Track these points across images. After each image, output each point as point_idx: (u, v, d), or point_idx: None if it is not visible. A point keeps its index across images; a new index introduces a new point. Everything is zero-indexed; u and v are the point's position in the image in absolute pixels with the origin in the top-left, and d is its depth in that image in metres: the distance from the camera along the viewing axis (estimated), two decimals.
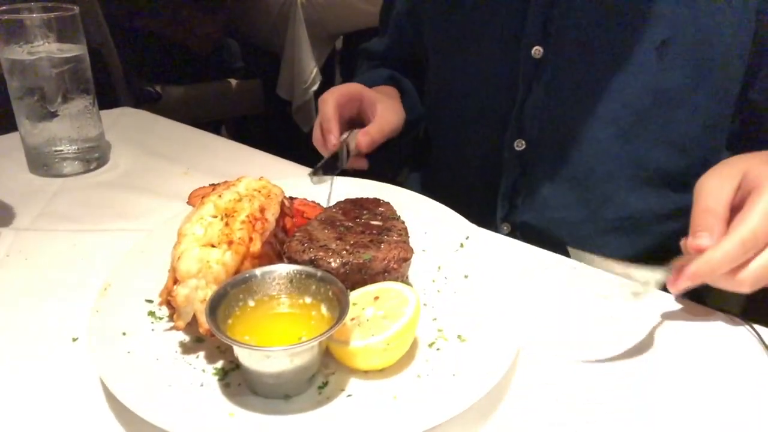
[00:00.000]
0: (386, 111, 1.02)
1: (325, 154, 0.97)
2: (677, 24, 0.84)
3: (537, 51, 0.91)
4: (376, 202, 0.82)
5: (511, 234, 1.02)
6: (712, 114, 0.90)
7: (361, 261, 0.67)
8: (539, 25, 0.90)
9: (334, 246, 0.69)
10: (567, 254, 0.85)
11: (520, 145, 0.98)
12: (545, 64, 0.92)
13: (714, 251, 0.63)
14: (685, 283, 0.65)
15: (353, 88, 1.02)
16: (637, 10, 0.85)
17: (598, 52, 0.89)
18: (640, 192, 0.96)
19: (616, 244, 0.99)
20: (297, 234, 0.71)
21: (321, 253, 0.67)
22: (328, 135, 0.95)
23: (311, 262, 0.67)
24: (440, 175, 1.19)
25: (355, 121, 1.05)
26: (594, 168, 0.95)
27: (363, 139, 0.98)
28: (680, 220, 0.97)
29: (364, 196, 0.84)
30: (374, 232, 0.73)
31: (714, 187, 0.67)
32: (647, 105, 0.89)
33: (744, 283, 0.64)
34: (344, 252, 0.68)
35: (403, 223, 0.77)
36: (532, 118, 0.96)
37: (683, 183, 0.92)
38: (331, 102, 0.97)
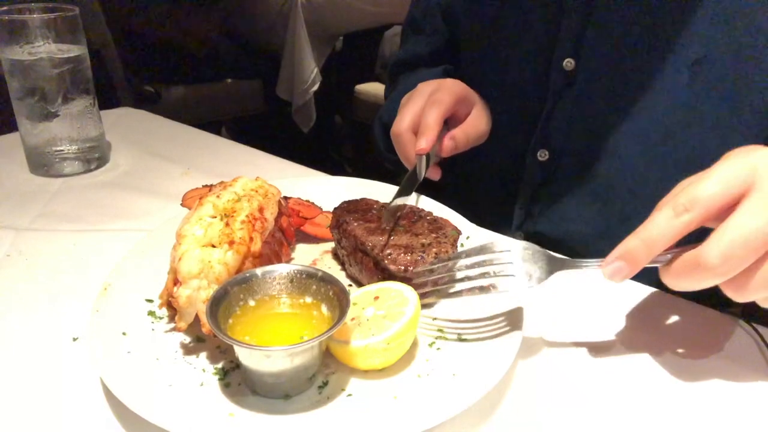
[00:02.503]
0: (478, 117, 0.94)
1: (408, 164, 0.86)
2: (712, 43, 0.81)
3: (569, 63, 0.90)
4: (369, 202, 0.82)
5: None
6: (748, 140, 0.83)
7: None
8: (572, 37, 0.89)
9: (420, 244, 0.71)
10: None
11: (543, 155, 0.98)
12: (576, 76, 0.91)
13: (645, 223, 0.56)
14: (615, 263, 0.57)
15: (459, 89, 0.90)
16: (671, 28, 0.83)
17: (630, 68, 0.87)
18: None
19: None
20: (398, 254, 0.70)
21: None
22: (420, 138, 0.82)
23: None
24: (458, 178, 1.17)
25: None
26: (616, 184, 0.93)
27: (448, 143, 0.87)
28: None
29: (366, 197, 0.84)
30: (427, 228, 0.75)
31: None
32: (677, 125, 0.86)
33: (708, 264, 0.52)
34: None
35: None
36: (558, 129, 0.95)
37: None
38: (437, 113, 0.84)
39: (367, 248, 0.71)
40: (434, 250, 0.70)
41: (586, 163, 0.94)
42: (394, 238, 0.72)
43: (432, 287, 0.67)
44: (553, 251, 0.87)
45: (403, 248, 0.70)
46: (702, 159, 0.87)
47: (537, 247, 0.64)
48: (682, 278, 0.55)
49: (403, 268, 0.68)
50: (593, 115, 0.92)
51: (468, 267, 0.65)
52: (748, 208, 0.52)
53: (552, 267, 0.63)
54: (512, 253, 0.64)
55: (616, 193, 0.94)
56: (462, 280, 0.65)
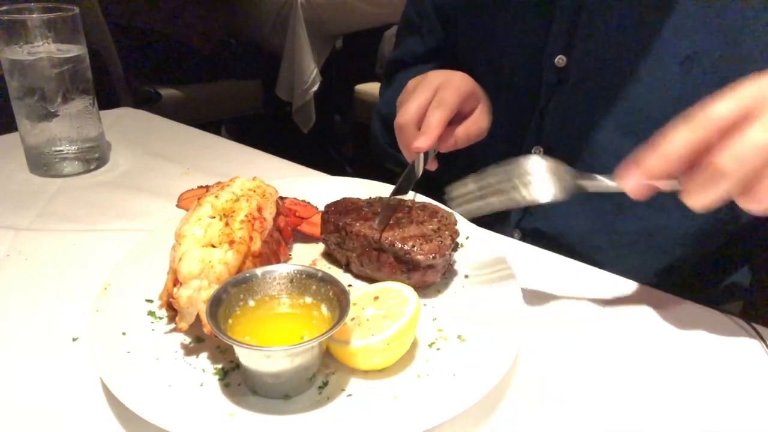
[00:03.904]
0: (481, 114, 0.92)
1: (408, 156, 0.86)
2: (703, 40, 0.82)
3: (560, 60, 0.91)
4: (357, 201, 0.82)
5: (522, 240, 1.02)
6: None
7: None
8: (563, 35, 0.90)
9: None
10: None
11: (537, 151, 0.98)
12: (568, 73, 0.91)
13: (665, 138, 0.58)
14: (633, 173, 0.59)
15: (466, 87, 0.89)
16: (661, 25, 0.84)
17: (621, 64, 0.87)
18: (658, 208, 0.92)
19: (631, 261, 0.96)
20: (415, 245, 0.71)
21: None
22: (420, 137, 0.81)
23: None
24: (455, 177, 1.17)
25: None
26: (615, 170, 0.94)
27: (448, 140, 0.87)
28: (704, 244, 0.94)
29: (363, 196, 0.84)
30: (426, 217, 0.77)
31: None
32: (669, 120, 0.87)
33: (723, 169, 0.54)
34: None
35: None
36: (552, 125, 0.95)
37: None
38: (441, 115, 0.82)
39: (384, 245, 0.72)
40: (446, 232, 0.74)
41: (580, 158, 0.95)
42: (404, 230, 0.73)
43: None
44: (551, 247, 0.87)
45: (420, 237, 0.72)
46: None
47: (561, 164, 0.67)
48: (701, 190, 0.57)
49: (431, 256, 0.70)
50: (586, 111, 0.92)
51: (498, 182, 0.69)
52: (758, 124, 0.54)
53: (572, 180, 0.67)
54: (535, 167, 0.67)
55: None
56: (493, 194, 0.69)
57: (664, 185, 0.59)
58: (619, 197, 0.94)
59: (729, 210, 0.85)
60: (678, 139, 0.57)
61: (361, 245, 0.74)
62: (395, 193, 0.79)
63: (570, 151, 0.96)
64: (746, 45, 0.81)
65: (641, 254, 0.96)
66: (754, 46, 0.81)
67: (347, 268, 0.79)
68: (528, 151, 0.99)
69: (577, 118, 0.93)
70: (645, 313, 0.73)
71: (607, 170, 0.93)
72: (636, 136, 0.89)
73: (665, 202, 0.92)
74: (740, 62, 0.82)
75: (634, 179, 0.60)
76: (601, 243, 0.94)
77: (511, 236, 1.03)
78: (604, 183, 0.65)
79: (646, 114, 0.88)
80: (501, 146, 1.03)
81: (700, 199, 0.57)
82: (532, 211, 1.03)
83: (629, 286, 0.79)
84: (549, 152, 0.97)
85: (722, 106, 0.56)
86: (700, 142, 0.56)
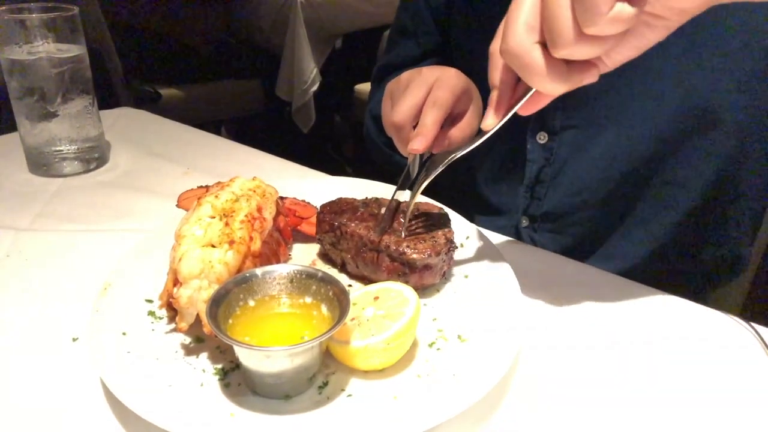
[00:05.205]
0: (474, 113, 0.90)
1: (404, 152, 0.84)
2: (710, 27, 0.82)
3: None
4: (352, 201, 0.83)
5: (529, 227, 1.02)
6: (755, 87, 0.86)
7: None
8: None
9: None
10: (577, 254, 0.85)
11: (542, 137, 0.99)
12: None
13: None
14: (488, 114, 0.64)
15: (461, 84, 0.88)
16: None
17: None
18: (676, 183, 0.94)
19: (645, 234, 0.97)
20: (414, 246, 0.72)
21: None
22: (416, 138, 0.79)
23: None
24: (460, 169, 1.17)
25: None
26: (617, 148, 0.94)
27: (443, 142, 0.85)
28: (714, 218, 0.95)
29: (361, 197, 0.84)
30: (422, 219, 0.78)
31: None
32: (670, 82, 0.88)
33: (504, 53, 0.57)
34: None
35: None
36: (554, 109, 0.95)
37: (720, 180, 0.91)
38: (437, 115, 0.81)
39: (381, 246, 0.72)
40: (439, 232, 0.74)
41: (586, 138, 0.95)
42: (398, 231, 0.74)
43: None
44: (565, 225, 0.86)
45: (415, 237, 0.73)
46: (696, 100, 0.86)
47: None
48: (528, 79, 0.58)
49: (426, 254, 0.70)
50: (586, 90, 0.92)
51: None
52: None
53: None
54: None
55: (619, 155, 0.94)
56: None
57: (532, 104, 0.62)
58: (629, 163, 0.95)
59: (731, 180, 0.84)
60: (491, 69, 0.62)
61: (355, 246, 0.74)
62: (394, 195, 0.79)
63: (575, 132, 0.96)
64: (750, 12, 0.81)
65: (662, 228, 0.96)
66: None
67: (343, 268, 0.79)
68: (533, 139, 0.99)
69: (577, 100, 0.93)
70: (645, 312, 0.74)
71: (613, 141, 0.95)
72: (638, 104, 0.90)
73: (678, 175, 0.93)
74: (754, 54, 0.82)
75: (491, 117, 0.63)
76: (617, 208, 0.93)
77: (519, 223, 1.03)
78: (477, 138, 0.68)
79: (646, 82, 0.88)
80: (506, 138, 1.03)
81: (542, 83, 0.58)
82: (541, 196, 1.03)
83: (629, 285, 0.79)
84: (554, 137, 0.98)
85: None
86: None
